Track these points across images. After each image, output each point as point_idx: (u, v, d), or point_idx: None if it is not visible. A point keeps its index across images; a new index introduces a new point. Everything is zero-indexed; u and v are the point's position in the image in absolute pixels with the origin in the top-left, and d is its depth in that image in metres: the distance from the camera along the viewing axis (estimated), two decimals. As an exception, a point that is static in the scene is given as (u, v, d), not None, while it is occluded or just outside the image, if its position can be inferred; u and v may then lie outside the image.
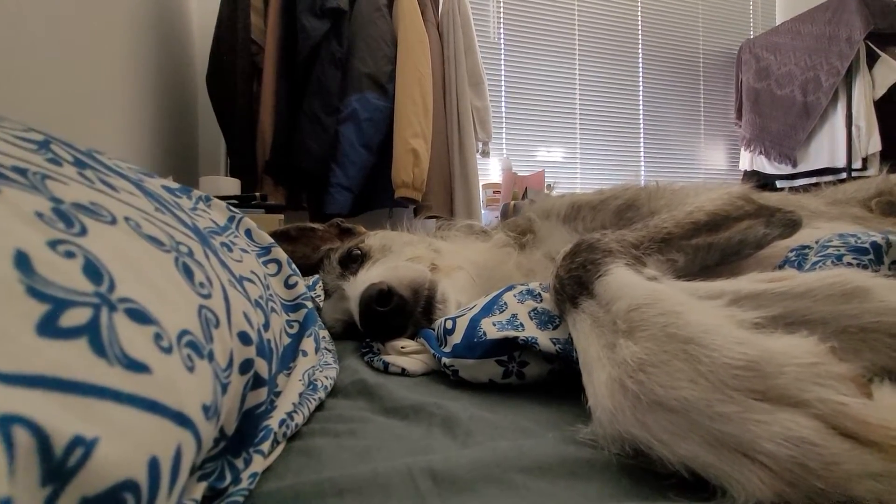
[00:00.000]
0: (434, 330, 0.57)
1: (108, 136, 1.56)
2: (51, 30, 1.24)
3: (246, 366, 0.28)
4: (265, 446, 0.30)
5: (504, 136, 3.25)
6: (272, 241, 0.49)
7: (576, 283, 0.41)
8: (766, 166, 3.58)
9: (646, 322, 0.31)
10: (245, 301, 0.30)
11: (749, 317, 0.30)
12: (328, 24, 2.15)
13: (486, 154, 2.64)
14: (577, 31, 3.42)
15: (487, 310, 0.51)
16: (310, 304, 0.46)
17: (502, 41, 3.24)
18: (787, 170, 3.47)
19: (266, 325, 0.33)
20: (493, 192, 2.78)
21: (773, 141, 3.55)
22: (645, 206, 0.78)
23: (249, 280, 0.34)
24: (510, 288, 0.55)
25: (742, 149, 3.74)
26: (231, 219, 0.50)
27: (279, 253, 0.47)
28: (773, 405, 0.25)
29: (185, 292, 0.23)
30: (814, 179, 3.28)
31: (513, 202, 2.51)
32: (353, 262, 0.79)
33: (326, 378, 0.43)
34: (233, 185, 2.02)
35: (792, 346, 0.27)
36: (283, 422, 0.33)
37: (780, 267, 0.66)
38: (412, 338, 0.60)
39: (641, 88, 3.62)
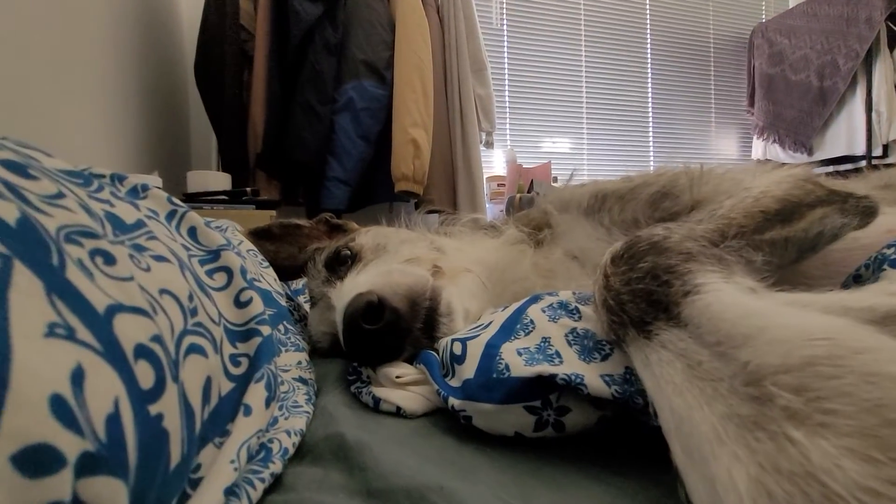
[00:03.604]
0: (438, 353, 0.45)
1: (83, 130, 1.44)
2: (21, 17, 1.12)
3: None
4: None
5: (508, 126, 3.12)
6: (224, 242, 0.37)
7: (645, 302, 0.29)
8: (780, 155, 3.45)
9: (838, 396, 0.18)
10: (88, 360, 0.18)
11: None
12: (321, 7, 2.03)
13: (489, 145, 2.52)
14: (582, 16, 3.29)
15: (508, 330, 0.39)
16: (266, 330, 0.33)
17: (505, 27, 3.11)
18: (802, 159, 3.34)
19: (155, 391, 0.20)
20: (498, 184, 2.66)
21: (788, 128, 3.42)
22: (686, 193, 0.65)
23: (137, 311, 0.21)
24: (535, 299, 0.42)
25: (754, 137, 3.60)
26: (171, 214, 0.38)
27: (230, 259, 0.35)
28: None
29: None
30: (830, 168, 3.16)
31: (518, 195, 2.39)
32: (341, 264, 0.67)
33: (290, 435, 0.31)
34: (223, 180, 1.92)
35: None
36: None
37: (871, 269, 0.53)
38: (410, 361, 0.47)
39: (650, 75, 3.49)
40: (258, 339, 0.32)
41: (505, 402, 0.33)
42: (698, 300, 0.26)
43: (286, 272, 0.83)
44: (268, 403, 0.31)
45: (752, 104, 3.62)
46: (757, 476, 0.18)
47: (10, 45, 1.10)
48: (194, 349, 0.25)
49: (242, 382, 0.30)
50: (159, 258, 0.27)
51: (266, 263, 0.63)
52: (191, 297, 0.27)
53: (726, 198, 0.54)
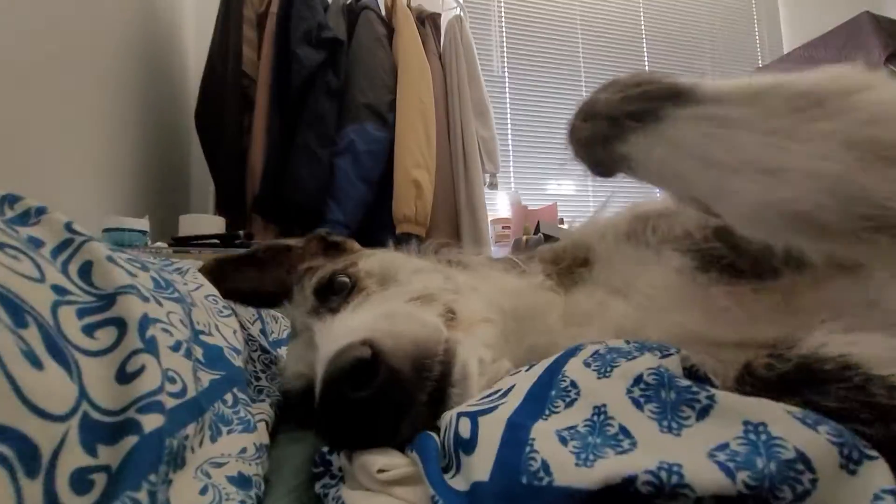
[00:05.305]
0: (438, 434, 0.31)
1: (77, 172, 1.41)
2: (21, 55, 1.09)
3: None
4: None
5: (512, 169, 3.10)
6: (127, 284, 0.26)
7: (645, 101, 0.30)
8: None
9: None
10: None
11: None
12: (324, 54, 2.03)
13: (493, 186, 2.46)
14: (581, 60, 3.35)
15: (540, 400, 0.26)
16: (152, 423, 0.20)
17: (506, 72, 3.15)
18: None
19: None
20: (503, 227, 2.58)
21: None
22: None
23: None
24: (573, 352, 0.30)
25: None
26: (64, 244, 0.27)
27: (129, 307, 0.23)
28: None
29: None
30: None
31: (525, 237, 2.29)
32: (336, 293, 0.53)
33: None
34: (216, 224, 1.86)
35: None
36: None
37: None
38: (401, 447, 0.34)
39: (652, 119, 3.49)
40: (133, 440, 0.19)
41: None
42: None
43: (273, 299, 0.70)
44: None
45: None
46: None
47: (8, 83, 1.06)
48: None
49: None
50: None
51: (228, 312, 0.51)
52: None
53: None
